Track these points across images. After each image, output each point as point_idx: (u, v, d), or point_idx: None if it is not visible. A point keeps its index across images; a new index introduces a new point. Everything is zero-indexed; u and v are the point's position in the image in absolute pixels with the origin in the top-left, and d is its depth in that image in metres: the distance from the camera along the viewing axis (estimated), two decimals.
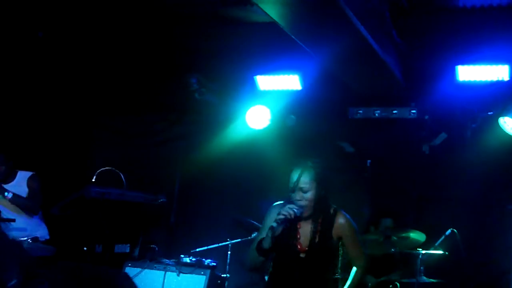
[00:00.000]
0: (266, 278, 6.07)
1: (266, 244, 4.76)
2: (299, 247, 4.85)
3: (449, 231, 7.42)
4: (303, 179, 4.75)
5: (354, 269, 5.07)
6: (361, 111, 8.24)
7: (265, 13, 5.65)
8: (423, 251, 7.37)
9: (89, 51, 8.36)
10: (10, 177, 7.28)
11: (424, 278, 7.26)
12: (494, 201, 8.21)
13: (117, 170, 7.72)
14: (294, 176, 4.79)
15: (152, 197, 7.84)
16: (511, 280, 8.05)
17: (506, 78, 6.97)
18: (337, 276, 6.76)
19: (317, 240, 4.84)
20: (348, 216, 4.93)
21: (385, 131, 8.38)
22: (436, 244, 7.42)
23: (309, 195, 4.76)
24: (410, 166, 8.42)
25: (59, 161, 9.00)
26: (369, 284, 7.17)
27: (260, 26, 7.41)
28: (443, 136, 8.17)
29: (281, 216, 4.68)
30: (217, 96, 8.72)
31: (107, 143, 9.63)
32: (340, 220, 4.89)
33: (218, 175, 9.03)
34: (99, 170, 7.58)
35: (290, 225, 4.79)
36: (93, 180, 7.45)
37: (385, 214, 7.93)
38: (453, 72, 7.25)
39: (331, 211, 4.89)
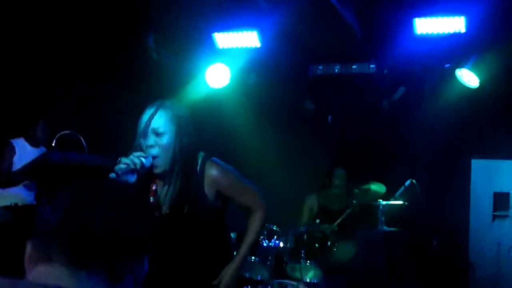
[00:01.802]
0: None
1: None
2: (158, 210, 3.79)
3: (408, 182, 7.60)
4: (157, 118, 3.71)
5: (252, 218, 4.00)
6: (320, 67, 8.29)
7: None
8: (384, 202, 7.55)
9: (41, 17, 8.19)
10: None
11: (385, 227, 7.45)
12: (453, 153, 8.40)
13: (77, 134, 7.66)
14: (146, 115, 3.76)
15: (112, 162, 7.81)
16: (468, 230, 8.32)
17: (463, 30, 7.06)
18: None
19: (180, 202, 3.78)
20: (221, 162, 3.92)
21: (345, 86, 8.46)
22: (396, 195, 7.60)
23: (165, 140, 3.70)
24: (370, 120, 8.54)
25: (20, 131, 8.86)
26: (327, 232, 7.25)
27: None
28: (401, 90, 8.29)
29: (122, 166, 3.55)
30: (175, 56, 8.66)
31: (68, 110, 9.51)
32: (212, 171, 3.83)
33: None
34: (59, 134, 7.52)
35: (139, 181, 3.64)
36: (53, 144, 7.40)
37: (345, 167, 8.05)
38: (410, 25, 7.31)
39: (199, 162, 3.84)
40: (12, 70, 8.76)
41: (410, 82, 8.21)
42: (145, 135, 3.70)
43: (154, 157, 3.68)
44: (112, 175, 3.50)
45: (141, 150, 3.70)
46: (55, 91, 9.39)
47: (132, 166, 3.54)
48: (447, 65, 7.83)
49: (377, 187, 7.69)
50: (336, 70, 8.19)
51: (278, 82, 8.57)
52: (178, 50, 8.66)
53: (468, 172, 8.34)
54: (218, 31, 8.22)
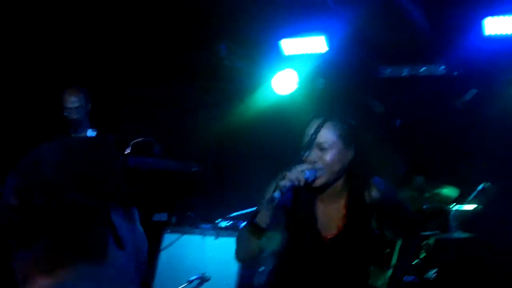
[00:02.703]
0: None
1: (263, 221, 3.38)
2: (322, 232, 3.56)
3: (481, 185, 7.41)
4: (323, 132, 3.48)
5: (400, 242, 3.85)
6: (389, 70, 8.20)
7: None
8: (455, 207, 7.38)
9: (116, 24, 8.39)
10: (82, 129, 6.97)
11: (458, 234, 7.27)
12: None
13: (151, 140, 7.80)
14: (311, 127, 3.54)
15: (185, 166, 7.92)
16: None
17: None
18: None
19: (346, 223, 3.53)
20: (383, 184, 3.63)
21: (414, 89, 8.34)
22: (470, 199, 7.42)
23: (329, 156, 3.45)
24: (441, 123, 8.38)
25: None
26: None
27: None
28: (473, 92, 8.11)
29: (286, 182, 3.27)
30: (245, 62, 8.73)
31: (139, 114, 9.70)
32: (374, 193, 3.58)
33: (249, 142, 9.08)
34: (134, 141, 7.66)
35: (303, 197, 3.52)
36: (128, 151, 7.54)
37: (418, 172, 7.92)
38: (480, 25, 7.15)
39: (364, 182, 3.58)
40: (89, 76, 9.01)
41: (481, 83, 8.02)
42: (309, 148, 3.47)
43: (317, 170, 3.42)
44: (277, 193, 3.24)
45: (304, 164, 3.45)
46: (130, 94, 9.61)
47: (296, 183, 3.30)
48: None
49: (449, 191, 7.52)
50: (405, 73, 8.08)
51: (346, 85, 8.51)
52: (247, 56, 8.73)
53: None
54: (285, 37, 8.24)
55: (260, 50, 8.57)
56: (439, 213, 7.49)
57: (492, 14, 7.07)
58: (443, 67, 7.91)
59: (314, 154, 3.44)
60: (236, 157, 9.22)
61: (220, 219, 7.47)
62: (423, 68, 7.99)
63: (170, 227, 7.48)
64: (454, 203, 7.40)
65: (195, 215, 7.83)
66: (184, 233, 7.33)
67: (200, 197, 9.13)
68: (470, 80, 8.04)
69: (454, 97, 8.13)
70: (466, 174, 7.99)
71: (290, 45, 8.21)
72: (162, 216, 8.00)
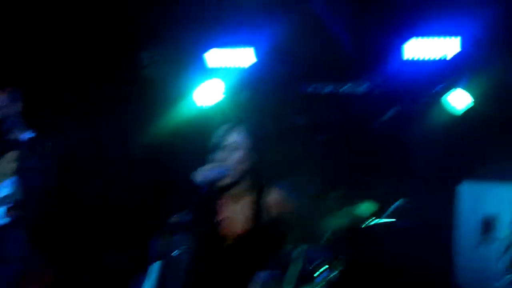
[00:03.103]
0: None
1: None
2: (226, 232, 3.67)
3: (398, 202, 7.62)
4: (231, 135, 3.78)
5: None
6: (312, 86, 8.34)
7: None
8: (373, 222, 7.55)
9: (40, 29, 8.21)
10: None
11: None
12: (442, 175, 8.42)
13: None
14: (221, 130, 3.84)
15: None
16: (455, 252, 8.34)
17: (455, 52, 7.14)
18: None
19: (251, 223, 3.66)
20: (285, 188, 3.85)
21: (336, 106, 8.50)
22: (386, 215, 7.61)
23: (237, 156, 3.69)
24: (361, 140, 8.57)
25: None
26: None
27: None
28: (393, 111, 8.35)
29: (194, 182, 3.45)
30: (168, 72, 8.68)
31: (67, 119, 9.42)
32: (274, 195, 3.77)
33: (169, 154, 9.00)
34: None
35: (208, 197, 3.62)
36: None
37: (337, 186, 8.06)
38: (402, 47, 7.39)
39: (264, 184, 3.76)
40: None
41: (401, 103, 8.27)
42: (217, 149, 3.72)
43: (225, 171, 3.61)
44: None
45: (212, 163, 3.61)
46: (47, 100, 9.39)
47: (204, 182, 3.49)
48: (438, 87, 7.90)
49: (367, 207, 7.68)
50: (329, 89, 8.24)
51: (270, 99, 8.59)
52: (171, 66, 8.68)
53: (457, 194, 8.38)
54: (211, 48, 8.27)
55: (185, 60, 8.54)
56: (357, 228, 7.63)
57: (413, 36, 7.30)
58: (365, 85, 8.10)
59: (221, 154, 3.66)
60: (157, 170, 9.11)
61: None
62: (346, 86, 8.16)
63: None
64: (372, 219, 7.56)
65: None
66: None
67: None
68: (391, 100, 8.28)
69: (376, 115, 8.35)
70: (384, 191, 8.20)
71: (215, 57, 8.24)
72: None
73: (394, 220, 7.53)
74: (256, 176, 3.73)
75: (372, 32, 7.67)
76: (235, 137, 3.73)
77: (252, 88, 8.61)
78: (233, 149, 3.68)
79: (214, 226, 3.61)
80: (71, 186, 7.76)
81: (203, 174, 3.52)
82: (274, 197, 3.72)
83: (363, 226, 7.56)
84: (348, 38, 7.50)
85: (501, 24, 6.76)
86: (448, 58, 7.31)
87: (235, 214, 3.68)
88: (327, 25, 6.53)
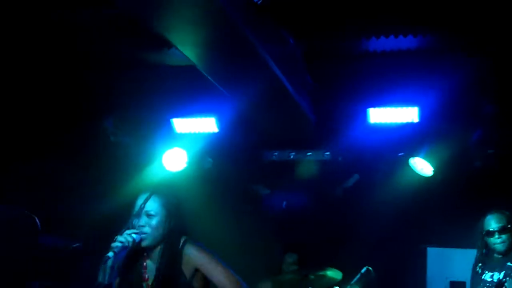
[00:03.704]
0: None
1: (103, 278, 3.97)
2: (145, 281, 4.35)
3: (364, 269, 7.60)
4: (150, 202, 4.31)
5: None
6: (276, 154, 8.37)
7: (184, 55, 5.71)
8: None
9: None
10: None
11: None
12: (408, 241, 8.45)
13: (31, 214, 7.55)
14: (141, 199, 4.35)
15: (67, 242, 7.73)
16: None
17: (415, 120, 7.23)
18: None
19: (161, 276, 4.28)
20: (198, 244, 4.42)
21: (300, 173, 8.53)
22: (352, 282, 7.57)
23: (155, 221, 4.27)
24: (325, 206, 8.59)
25: None
26: None
27: (177, 69, 7.49)
28: (356, 177, 8.40)
29: (118, 243, 4.07)
30: (133, 138, 8.68)
31: (21, 188, 9.39)
32: (189, 251, 4.34)
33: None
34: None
35: (133, 256, 4.26)
36: None
37: (299, 253, 8.04)
38: (364, 115, 7.47)
39: (181, 243, 4.35)
40: None
41: (364, 170, 8.33)
42: (138, 216, 4.26)
43: (143, 235, 4.20)
44: (110, 253, 3.97)
45: (133, 228, 4.21)
46: (6, 168, 9.30)
47: (126, 244, 4.06)
48: (400, 154, 7.97)
49: (333, 274, 7.66)
50: (292, 157, 8.28)
51: (234, 167, 8.62)
52: (136, 133, 8.69)
53: (424, 260, 8.38)
54: (177, 116, 8.31)
55: (151, 127, 8.56)
56: None
57: (376, 105, 7.40)
58: (328, 152, 8.15)
59: (142, 220, 4.25)
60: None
61: None
62: (309, 153, 8.21)
63: None
64: (338, 286, 7.53)
65: None
66: None
67: (81, 274, 8.87)
68: (354, 166, 8.33)
69: (338, 182, 8.39)
70: (347, 257, 8.18)
71: (181, 124, 8.27)
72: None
73: None
74: (173, 236, 4.34)
75: (334, 100, 7.75)
76: (154, 205, 4.31)
77: (215, 156, 8.64)
78: (152, 215, 4.27)
79: (138, 278, 4.31)
80: None
81: (126, 236, 4.10)
82: (189, 251, 4.34)
83: None
84: (311, 107, 7.56)
85: (458, 95, 6.87)
86: (410, 125, 7.37)
87: (152, 267, 4.32)
88: (288, 93, 6.56)
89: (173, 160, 8.49)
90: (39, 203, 8.47)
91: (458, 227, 8.03)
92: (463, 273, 8.17)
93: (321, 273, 7.61)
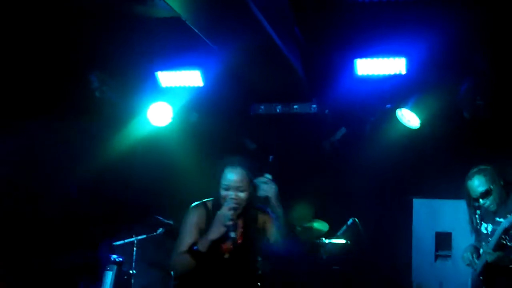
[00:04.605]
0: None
1: (203, 248, 4.43)
2: (223, 247, 4.57)
3: (350, 220, 7.64)
4: (237, 177, 4.54)
5: None
6: (262, 107, 8.32)
7: (169, 6, 5.60)
8: (326, 240, 7.56)
9: None
10: None
11: None
12: (394, 192, 8.47)
13: None
14: (229, 174, 4.56)
15: None
16: (410, 269, 8.37)
17: (403, 71, 7.18)
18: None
19: (240, 240, 4.61)
20: (268, 209, 4.77)
21: (287, 126, 8.49)
22: (338, 234, 7.62)
23: (245, 195, 4.55)
24: (312, 160, 8.57)
25: None
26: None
27: (161, 22, 7.36)
28: (343, 130, 8.36)
29: (230, 223, 4.44)
30: (118, 93, 8.58)
31: (8, 146, 9.31)
32: (262, 216, 4.75)
33: (122, 173, 8.91)
34: None
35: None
36: None
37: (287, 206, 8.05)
38: (351, 66, 7.40)
39: (255, 208, 4.73)
40: None
41: (351, 122, 8.30)
42: (228, 189, 4.52)
43: (236, 205, 4.52)
44: (233, 234, 4.43)
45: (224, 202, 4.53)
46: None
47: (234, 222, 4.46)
48: (388, 106, 7.93)
49: (320, 225, 7.71)
50: (278, 110, 8.23)
51: (220, 120, 8.56)
52: (121, 87, 8.59)
53: (410, 211, 8.42)
54: (162, 69, 8.20)
55: (136, 81, 8.45)
56: (311, 246, 7.65)
57: (363, 56, 7.33)
58: (315, 105, 8.10)
59: (233, 194, 4.52)
60: (108, 190, 8.99)
61: None
62: (296, 106, 8.16)
63: None
64: (325, 237, 7.57)
65: None
66: None
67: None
68: (341, 119, 8.29)
69: (325, 135, 8.36)
70: (334, 209, 8.21)
71: (166, 78, 8.17)
72: None
73: (346, 241, 7.57)
74: (248, 206, 4.65)
75: (322, 51, 7.67)
76: (243, 180, 4.55)
77: (201, 110, 8.57)
78: (242, 190, 4.53)
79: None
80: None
81: (231, 214, 4.47)
82: (262, 216, 4.77)
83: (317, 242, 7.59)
84: (298, 59, 7.49)
85: (447, 46, 6.81)
86: (398, 77, 7.33)
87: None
88: (275, 45, 6.48)
89: (158, 114, 8.40)
90: (26, 161, 8.46)
91: (445, 178, 8.07)
92: (449, 224, 8.27)
93: (307, 225, 7.65)
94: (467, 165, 6.04)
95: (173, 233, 7.82)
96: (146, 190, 8.84)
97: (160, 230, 7.69)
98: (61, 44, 8.14)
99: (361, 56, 7.36)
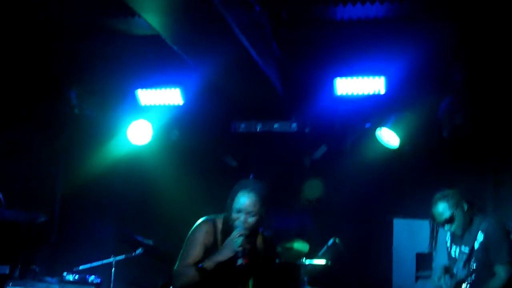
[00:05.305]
0: None
1: (209, 267, 4.51)
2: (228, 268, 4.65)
3: (331, 240, 7.59)
4: (249, 202, 4.60)
5: None
6: (243, 125, 8.31)
7: (148, 23, 5.59)
8: (307, 261, 7.50)
9: None
10: None
11: (307, 287, 7.39)
12: (375, 212, 8.44)
13: None
14: (242, 197, 4.63)
15: (31, 216, 7.63)
16: None
17: (382, 90, 7.19)
18: None
19: (246, 262, 4.62)
20: (261, 229, 4.85)
21: (267, 144, 8.47)
22: (320, 254, 7.56)
23: (255, 219, 4.61)
24: (292, 178, 8.53)
25: None
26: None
27: (141, 39, 7.37)
28: (323, 149, 8.35)
29: (240, 249, 4.49)
30: (98, 110, 8.55)
31: None
32: (259, 236, 4.83)
33: (100, 191, 8.84)
34: None
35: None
36: None
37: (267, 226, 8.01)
38: (331, 85, 7.41)
39: (260, 232, 4.84)
40: None
41: (331, 141, 8.28)
42: (239, 212, 4.57)
43: (245, 230, 4.56)
44: (240, 261, 4.47)
45: (233, 223, 4.58)
46: None
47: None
48: (367, 125, 7.93)
49: (301, 246, 7.64)
50: (258, 129, 8.22)
51: (201, 139, 8.53)
52: (101, 105, 8.56)
53: (391, 231, 8.38)
54: (141, 87, 8.18)
55: (115, 99, 8.42)
56: (291, 267, 7.58)
57: (343, 75, 7.34)
58: (294, 124, 8.10)
59: (243, 217, 4.58)
60: (85, 209, 8.93)
61: (66, 273, 7.21)
62: (276, 125, 8.15)
63: (12, 281, 7.14)
64: (305, 258, 7.51)
65: (39, 268, 7.51)
66: (27, 286, 7.03)
67: (45, 249, 8.78)
68: (321, 137, 8.28)
69: (305, 153, 8.34)
70: (315, 229, 8.17)
71: (146, 96, 8.15)
72: (3, 269, 7.63)
73: (326, 260, 7.52)
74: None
75: (301, 69, 7.68)
76: (256, 205, 4.60)
77: (181, 128, 8.54)
78: (253, 215, 4.57)
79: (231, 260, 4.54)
80: None
81: (242, 241, 4.51)
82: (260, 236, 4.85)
83: (298, 263, 7.52)
84: (277, 77, 7.49)
85: (426, 64, 6.84)
86: (377, 96, 7.34)
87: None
88: (255, 63, 6.48)
89: (138, 132, 8.36)
90: (3, 177, 8.37)
91: (426, 198, 8.03)
92: None
93: (288, 245, 7.58)
94: (447, 184, 6.02)
95: (153, 253, 7.78)
96: (125, 210, 8.78)
97: (139, 250, 7.60)
98: (40, 60, 8.14)
99: (340, 75, 7.38)
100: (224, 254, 4.48)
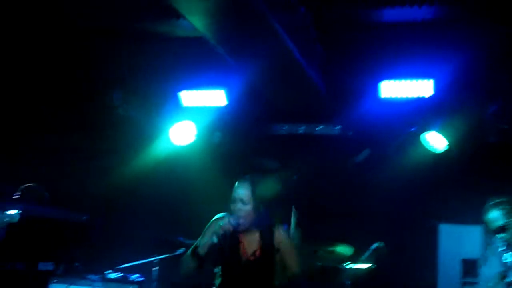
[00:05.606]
0: None
1: (202, 251, 4.96)
2: (243, 255, 5.06)
3: (375, 244, 7.50)
4: (241, 191, 5.00)
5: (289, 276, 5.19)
6: (285, 127, 8.29)
7: (192, 25, 5.59)
8: (349, 265, 7.42)
9: (13, 70, 8.16)
10: None
11: None
12: (420, 217, 8.33)
13: (40, 187, 7.52)
14: (237, 187, 5.05)
15: (75, 215, 7.68)
16: None
17: (429, 93, 7.09)
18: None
19: (258, 251, 5.05)
20: (285, 229, 5.28)
21: (310, 147, 8.43)
22: (363, 258, 7.48)
23: (248, 207, 4.95)
24: (335, 181, 8.47)
25: None
26: None
27: (184, 41, 7.38)
28: (366, 152, 8.27)
29: (220, 231, 4.91)
30: (141, 111, 8.60)
31: (33, 161, 9.36)
32: (278, 233, 5.11)
33: (143, 192, 8.91)
34: (22, 187, 7.38)
35: (231, 237, 5.01)
36: (16, 197, 7.25)
37: (305, 228, 7.96)
38: (375, 88, 7.34)
39: (271, 224, 5.11)
40: None
41: (375, 144, 8.20)
42: (234, 202, 4.97)
43: (240, 217, 4.94)
44: (215, 239, 4.86)
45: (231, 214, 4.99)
46: (17, 142, 9.27)
47: (228, 231, 4.91)
48: (412, 129, 7.83)
49: (343, 249, 7.56)
50: (301, 131, 8.18)
51: (243, 140, 8.52)
52: (144, 106, 8.61)
53: (435, 236, 8.27)
54: (185, 89, 8.20)
55: (158, 100, 8.46)
56: (333, 271, 7.51)
57: (388, 78, 7.26)
58: (338, 127, 8.03)
59: (237, 205, 4.96)
60: (128, 208, 8.99)
61: (109, 271, 7.25)
62: (320, 127, 8.10)
63: (57, 277, 7.20)
64: (348, 262, 7.44)
65: (83, 265, 7.56)
66: (71, 283, 7.07)
67: (89, 247, 8.83)
68: (365, 140, 8.20)
69: (348, 156, 8.27)
70: (358, 233, 8.09)
71: (189, 97, 8.16)
72: (48, 266, 7.70)
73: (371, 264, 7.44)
74: (260, 220, 5.03)
75: (347, 72, 7.62)
76: (245, 193, 4.96)
77: (224, 130, 8.53)
78: (245, 202, 4.94)
79: (237, 252, 5.02)
80: None
81: (227, 224, 4.90)
82: (279, 234, 5.11)
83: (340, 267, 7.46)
84: (321, 79, 7.43)
85: (474, 68, 6.72)
86: (423, 99, 7.24)
87: (250, 243, 5.04)
88: (299, 66, 6.44)
89: (180, 133, 8.38)
90: (49, 177, 8.47)
91: (471, 203, 7.89)
92: (476, 251, 8.07)
93: (330, 248, 7.51)
94: (492, 190, 5.91)
95: None
96: (167, 210, 8.81)
97: (181, 250, 7.61)
98: (86, 63, 8.22)
99: (386, 78, 7.30)
100: (206, 236, 4.97)
